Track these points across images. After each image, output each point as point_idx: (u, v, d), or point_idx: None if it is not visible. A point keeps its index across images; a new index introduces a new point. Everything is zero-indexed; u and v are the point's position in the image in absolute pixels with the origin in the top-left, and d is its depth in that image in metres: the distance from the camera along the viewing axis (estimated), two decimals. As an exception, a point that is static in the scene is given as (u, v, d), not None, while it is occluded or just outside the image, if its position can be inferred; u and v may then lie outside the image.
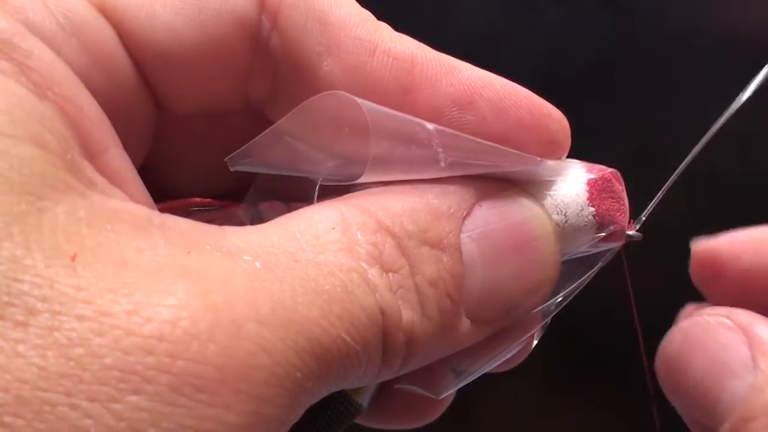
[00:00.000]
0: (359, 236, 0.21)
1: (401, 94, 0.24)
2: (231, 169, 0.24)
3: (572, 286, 0.26)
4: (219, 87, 0.25)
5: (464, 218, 0.23)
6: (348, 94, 0.23)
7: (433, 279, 0.22)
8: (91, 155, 0.21)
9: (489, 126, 0.25)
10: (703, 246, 0.28)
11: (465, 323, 0.23)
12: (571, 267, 0.27)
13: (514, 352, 0.27)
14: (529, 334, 0.27)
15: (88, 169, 0.20)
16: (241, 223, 0.25)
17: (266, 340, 0.18)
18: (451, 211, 0.23)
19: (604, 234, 0.26)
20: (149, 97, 0.25)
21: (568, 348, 0.59)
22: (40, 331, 0.16)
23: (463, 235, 0.23)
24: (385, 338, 0.21)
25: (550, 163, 0.26)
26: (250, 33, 0.24)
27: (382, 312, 0.21)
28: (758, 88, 0.27)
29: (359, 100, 0.22)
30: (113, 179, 0.21)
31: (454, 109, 0.25)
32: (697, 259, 0.29)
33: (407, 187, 0.23)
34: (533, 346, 0.28)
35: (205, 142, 0.27)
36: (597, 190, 0.26)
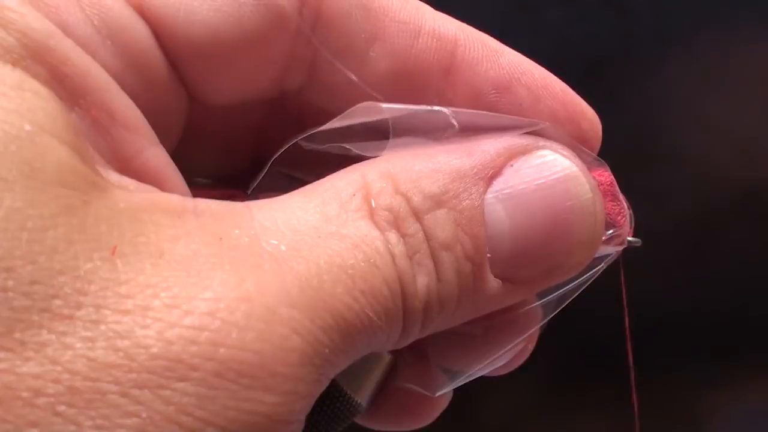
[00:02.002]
0: (375, 202, 0.22)
1: (442, 75, 0.25)
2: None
3: (572, 289, 0.26)
4: (255, 80, 0.25)
5: (492, 178, 0.23)
6: (372, 104, 0.23)
7: (449, 242, 0.22)
8: (126, 158, 0.21)
9: (524, 113, 0.25)
10: None
11: (493, 284, 0.23)
12: None
13: (510, 356, 0.27)
14: (525, 336, 0.26)
15: (115, 176, 0.20)
16: None
17: (298, 322, 0.19)
18: (474, 171, 0.23)
19: (605, 238, 0.26)
20: (182, 92, 0.25)
21: (568, 348, 0.59)
22: (86, 324, 0.17)
23: (488, 196, 0.23)
24: (404, 306, 0.21)
25: None
26: (289, 26, 0.24)
27: (400, 280, 0.21)
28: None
29: (382, 105, 0.23)
30: (150, 178, 0.22)
31: (493, 92, 0.25)
32: None
33: (435, 149, 0.23)
34: (531, 349, 0.28)
35: (231, 127, 0.27)
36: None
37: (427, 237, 0.22)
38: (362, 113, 0.24)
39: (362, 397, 0.28)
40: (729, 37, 0.60)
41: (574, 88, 0.26)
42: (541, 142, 0.24)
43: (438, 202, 0.22)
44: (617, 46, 0.59)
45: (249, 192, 0.26)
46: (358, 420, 0.29)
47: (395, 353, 0.28)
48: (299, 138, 0.25)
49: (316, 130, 0.24)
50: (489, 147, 0.23)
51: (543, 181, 0.23)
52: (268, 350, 0.18)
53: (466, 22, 0.26)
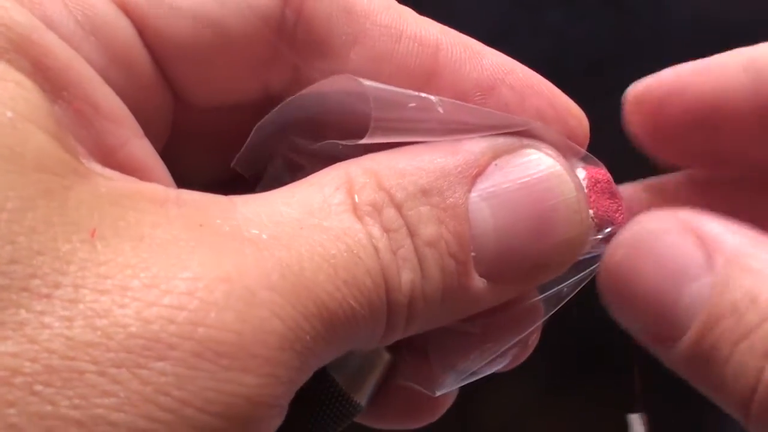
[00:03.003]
0: (358, 197, 0.21)
1: (426, 78, 0.25)
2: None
3: (569, 286, 0.26)
4: (239, 80, 0.25)
5: (476, 176, 0.23)
6: (352, 77, 0.23)
7: (432, 239, 0.22)
8: (111, 150, 0.21)
9: (510, 113, 0.24)
10: (644, 84, 0.26)
11: (478, 283, 0.23)
12: (570, 268, 0.26)
13: (512, 353, 0.27)
14: (524, 334, 0.26)
15: (98, 167, 0.20)
16: None
17: (278, 306, 0.19)
18: (459, 170, 0.23)
19: (602, 236, 0.26)
20: (168, 91, 0.25)
21: (568, 348, 0.59)
22: (64, 303, 0.17)
23: (473, 194, 0.23)
24: (388, 299, 0.21)
25: None
26: (272, 26, 0.24)
27: (383, 273, 0.21)
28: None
29: (363, 81, 0.23)
30: (134, 169, 0.22)
31: (477, 94, 0.25)
32: (634, 100, 0.26)
33: (420, 147, 0.23)
34: (533, 346, 0.28)
35: (219, 131, 0.27)
36: (595, 191, 0.26)
37: (411, 233, 0.22)
38: (340, 83, 0.24)
39: (361, 397, 0.28)
40: (729, 37, 0.60)
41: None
42: (526, 140, 0.24)
43: (421, 199, 0.22)
44: (617, 46, 0.59)
45: (232, 165, 0.26)
46: (362, 420, 0.29)
47: (395, 352, 0.28)
48: (281, 106, 0.25)
49: (297, 95, 0.24)
50: (473, 146, 0.23)
51: (527, 179, 0.23)
52: (248, 331, 0.18)
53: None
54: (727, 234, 0.22)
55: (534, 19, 0.58)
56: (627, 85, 0.27)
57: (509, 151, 0.24)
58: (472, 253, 0.23)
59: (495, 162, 0.23)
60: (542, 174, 0.24)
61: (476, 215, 0.23)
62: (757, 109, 0.24)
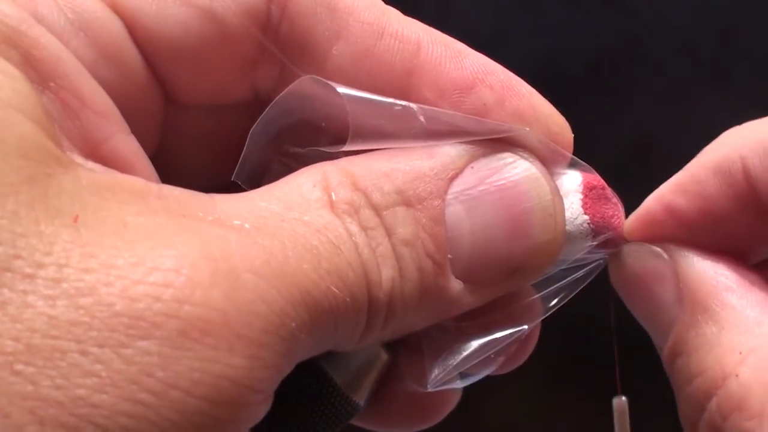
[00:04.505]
0: (335, 195, 0.22)
1: (406, 76, 0.25)
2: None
3: (567, 289, 0.26)
4: (227, 78, 0.25)
5: (452, 179, 0.23)
6: (322, 79, 0.23)
7: (409, 239, 0.22)
8: (95, 143, 0.21)
9: (488, 112, 0.25)
10: (637, 215, 0.27)
11: (455, 284, 0.23)
12: (569, 272, 0.26)
13: (508, 352, 0.27)
14: (520, 332, 0.26)
15: (81, 160, 0.20)
16: None
17: (263, 290, 0.19)
18: (435, 172, 0.23)
19: (599, 241, 0.26)
20: (158, 89, 0.25)
21: (567, 348, 0.59)
22: (48, 283, 0.17)
23: (448, 196, 0.23)
24: (368, 296, 0.21)
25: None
26: (259, 22, 0.24)
27: (364, 267, 0.21)
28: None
29: (341, 89, 0.23)
30: (118, 164, 0.22)
31: (456, 92, 0.25)
32: (636, 229, 0.27)
33: (396, 150, 0.23)
34: (531, 347, 0.28)
35: (211, 134, 0.27)
36: (591, 197, 0.26)
37: (388, 232, 0.22)
38: (319, 87, 0.24)
39: (360, 396, 0.28)
40: (729, 37, 0.60)
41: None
42: (504, 145, 0.24)
43: (397, 200, 0.22)
44: (618, 46, 0.59)
45: (232, 179, 0.26)
46: (366, 425, 0.29)
47: (392, 352, 0.28)
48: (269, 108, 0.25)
49: (282, 95, 0.24)
50: (450, 149, 0.23)
51: (503, 182, 0.24)
52: (233, 311, 0.18)
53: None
54: (701, 273, 0.25)
55: (534, 19, 0.58)
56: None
57: (486, 154, 0.24)
58: (449, 255, 0.23)
59: (471, 165, 0.23)
60: (518, 177, 0.24)
61: (452, 217, 0.23)
62: (739, 204, 0.25)
